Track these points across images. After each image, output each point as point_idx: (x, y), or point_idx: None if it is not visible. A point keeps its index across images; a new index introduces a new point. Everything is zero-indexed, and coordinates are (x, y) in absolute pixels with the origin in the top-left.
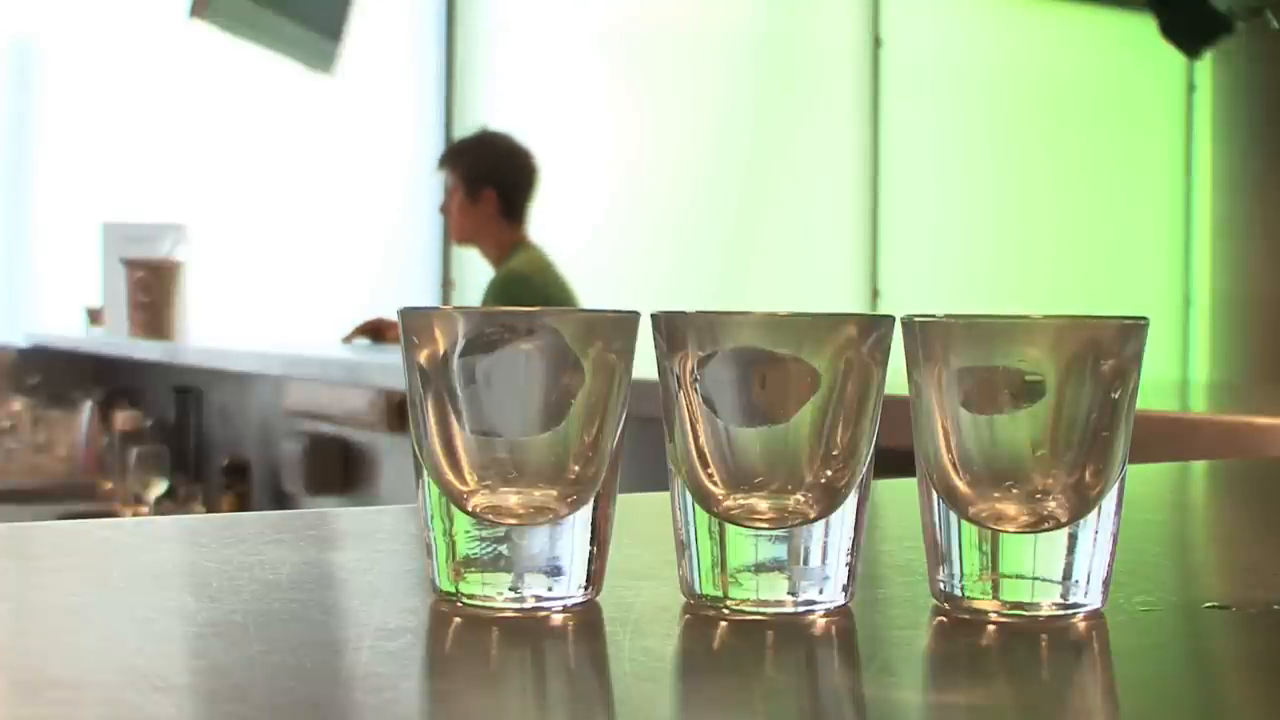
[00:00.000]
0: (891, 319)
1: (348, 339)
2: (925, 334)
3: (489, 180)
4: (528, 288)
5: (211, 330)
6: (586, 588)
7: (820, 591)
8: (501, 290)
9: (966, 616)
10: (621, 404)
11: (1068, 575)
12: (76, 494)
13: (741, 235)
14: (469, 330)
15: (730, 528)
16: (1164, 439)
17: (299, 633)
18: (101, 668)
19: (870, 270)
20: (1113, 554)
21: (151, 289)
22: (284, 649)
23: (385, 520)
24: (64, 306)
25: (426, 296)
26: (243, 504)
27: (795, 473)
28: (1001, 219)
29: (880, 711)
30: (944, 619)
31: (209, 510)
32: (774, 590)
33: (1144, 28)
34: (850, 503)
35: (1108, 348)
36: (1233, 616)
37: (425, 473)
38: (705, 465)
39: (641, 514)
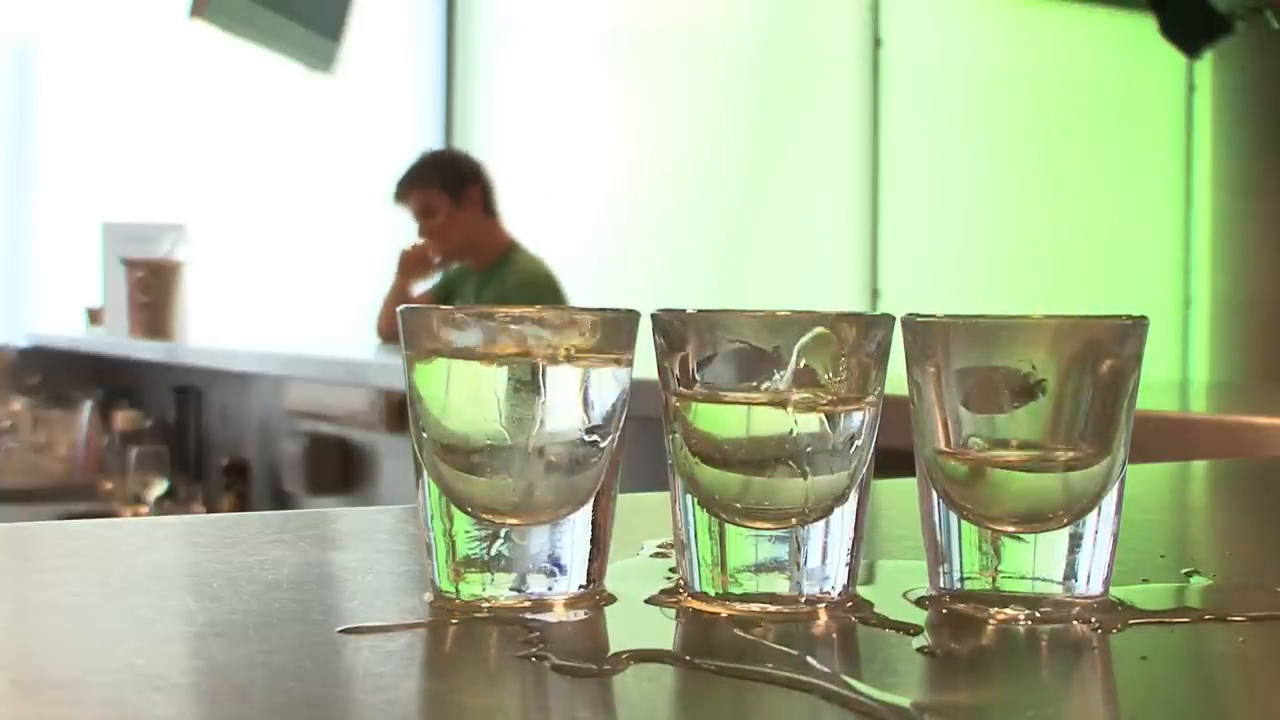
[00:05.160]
0: (891, 319)
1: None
2: (925, 334)
3: (471, 178)
4: (556, 295)
5: (211, 330)
6: (586, 587)
7: (820, 591)
8: (525, 291)
9: (966, 617)
10: (621, 404)
11: (1068, 575)
12: (76, 494)
13: (741, 235)
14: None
15: (730, 528)
16: (1164, 439)
17: (299, 633)
18: (101, 668)
19: (870, 270)
20: (1113, 554)
21: (151, 289)
22: (284, 649)
23: (385, 520)
24: (64, 306)
25: None
26: (243, 504)
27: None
28: (1002, 219)
29: (880, 712)
30: (944, 619)
31: (209, 510)
32: (774, 590)
33: (1144, 28)
34: (850, 502)
35: (1108, 347)
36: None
37: (425, 473)
38: None
39: (641, 514)
